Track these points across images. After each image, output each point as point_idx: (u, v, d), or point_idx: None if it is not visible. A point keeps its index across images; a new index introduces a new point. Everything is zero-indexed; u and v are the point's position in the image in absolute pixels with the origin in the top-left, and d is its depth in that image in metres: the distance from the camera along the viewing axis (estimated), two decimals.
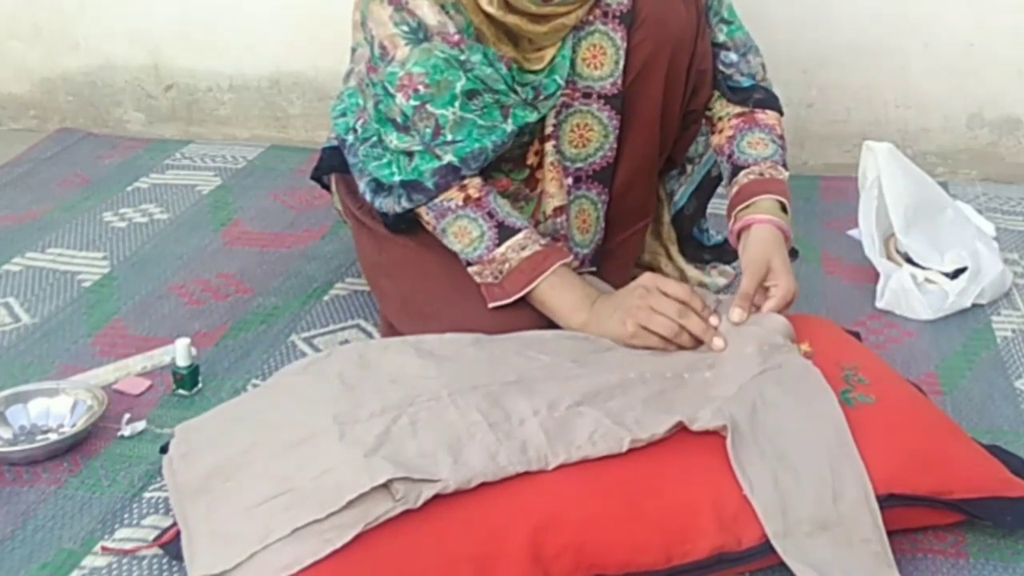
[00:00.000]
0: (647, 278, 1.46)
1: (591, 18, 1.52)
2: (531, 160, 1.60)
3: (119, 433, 1.47)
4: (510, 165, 1.61)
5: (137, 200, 2.20)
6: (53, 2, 2.55)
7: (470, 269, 1.51)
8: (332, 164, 1.70)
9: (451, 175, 1.49)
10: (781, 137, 1.63)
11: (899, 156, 1.85)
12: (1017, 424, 1.50)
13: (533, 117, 1.51)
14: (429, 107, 1.47)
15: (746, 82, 1.64)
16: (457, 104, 1.47)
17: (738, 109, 1.64)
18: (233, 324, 1.74)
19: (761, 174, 1.57)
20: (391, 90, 1.49)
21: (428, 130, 1.48)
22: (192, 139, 2.54)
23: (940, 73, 2.30)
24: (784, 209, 1.56)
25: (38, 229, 2.06)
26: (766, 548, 1.18)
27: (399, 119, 1.50)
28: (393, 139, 1.51)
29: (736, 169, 1.59)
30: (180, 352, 1.54)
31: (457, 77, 1.46)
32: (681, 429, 1.25)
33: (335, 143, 1.68)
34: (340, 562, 1.11)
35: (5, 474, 1.40)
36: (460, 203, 1.49)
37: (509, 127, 1.50)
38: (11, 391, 1.50)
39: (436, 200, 1.50)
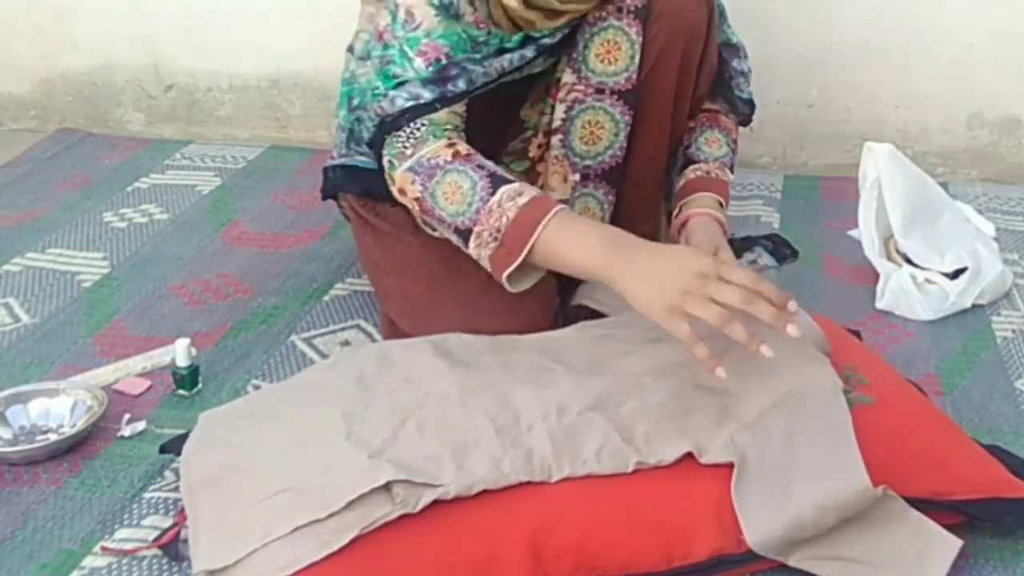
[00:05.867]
0: (707, 263, 1.26)
1: (604, 14, 1.52)
2: (533, 153, 1.60)
3: (119, 433, 1.46)
4: (512, 157, 1.61)
5: (137, 200, 2.20)
6: (53, 2, 2.55)
7: (471, 245, 1.38)
8: (336, 183, 1.70)
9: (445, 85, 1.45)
10: (735, 142, 1.71)
11: (899, 157, 1.85)
12: (1017, 424, 1.50)
13: (509, 43, 1.49)
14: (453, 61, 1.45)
15: (747, 94, 1.71)
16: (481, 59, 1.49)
17: (708, 106, 1.70)
18: (233, 324, 1.74)
19: (708, 172, 1.64)
20: (410, 53, 1.45)
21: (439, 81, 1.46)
22: (192, 139, 2.54)
23: (940, 73, 2.30)
24: (721, 206, 1.63)
25: (38, 229, 2.06)
26: None
27: (412, 78, 1.45)
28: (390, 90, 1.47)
29: (688, 162, 1.66)
30: (180, 352, 1.54)
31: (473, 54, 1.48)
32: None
33: (337, 161, 1.68)
34: (341, 564, 1.11)
35: (5, 474, 1.40)
36: (448, 158, 1.41)
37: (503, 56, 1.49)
38: (11, 391, 1.50)
39: (423, 155, 1.42)
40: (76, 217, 2.11)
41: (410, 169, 1.43)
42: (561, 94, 1.55)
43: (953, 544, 1.18)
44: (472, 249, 1.38)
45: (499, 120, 1.63)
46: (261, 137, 2.54)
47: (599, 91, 1.54)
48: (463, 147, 1.43)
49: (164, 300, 1.81)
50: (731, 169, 1.68)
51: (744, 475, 1.20)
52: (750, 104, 1.74)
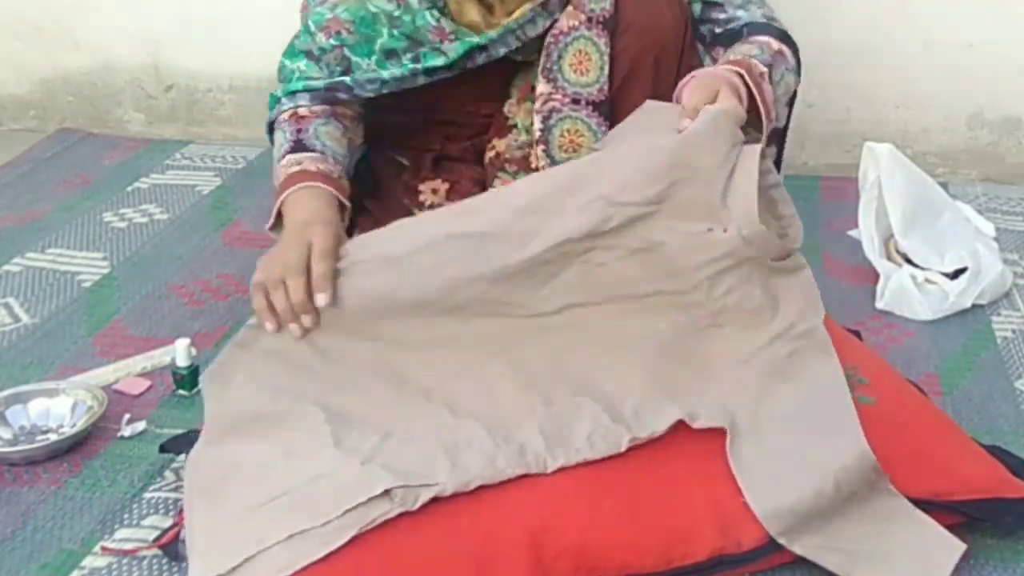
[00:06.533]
0: (292, 263, 1.31)
1: (576, 23, 1.52)
2: (535, 164, 1.59)
3: (119, 433, 1.46)
4: (515, 167, 1.61)
5: (137, 200, 2.20)
6: (53, 2, 2.55)
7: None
8: None
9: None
10: (777, 52, 1.54)
11: (900, 157, 1.85)
12: (1017, 424, 1.50)
13: (440, 61, 1.51)
14: (347, 51, 1.52)
15: (744, 21, 1.58)
16: (374, 59, 1.52)
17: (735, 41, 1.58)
18: (233, 324, 1.73)
19: (728, 60, 1.49)
20: (313, 28, 1.53)
21: (339, 68, 1.53)
22: (192, 139, 2.54)
23: (940, 73, 2.30)
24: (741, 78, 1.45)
25: (38, 229, 2.06)
26: (766, 550, 1.18)
27: (315, 50, 1.54)
28: (301, 65, 1.55)
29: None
30: (180, 352, 1.54)
31: (380, 34, 1.51)
32: (682, 424, 1.24)
33: None
34: (339, 564, 1.11)
35: (5, 474, 1.40)
36: (286, 118, 1.53)
37: (420, 78, 1.52)
38: (11, 391, 1.50)
39: (275, 114, 1.55)
40: (76, 217, 2.11)
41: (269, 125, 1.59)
42: (538, 104, 1.55)
43: (957, 547, 1.18)
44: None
45: (482, 115, 1.64)
46: (261, 137, 2.51)
47: (575, 101, 1.54)
48: (305, 109, 1.52)
49: (164, 300, 1.81)
50: (770, 67, 1.49)
51: (736, 438, 1.20)
52: (762, 23, 1.57)
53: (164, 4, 2.50)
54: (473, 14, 1.53)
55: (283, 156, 1.47)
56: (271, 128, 1.58)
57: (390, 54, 1.51)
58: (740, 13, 1.60)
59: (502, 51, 1.53)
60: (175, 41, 2.53)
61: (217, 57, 2.53)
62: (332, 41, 1.52)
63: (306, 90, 1.53)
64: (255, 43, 2.49)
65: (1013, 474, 1.30)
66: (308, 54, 1.55)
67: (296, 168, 1.44)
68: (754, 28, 1.58)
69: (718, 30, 1.60)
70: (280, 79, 1.59)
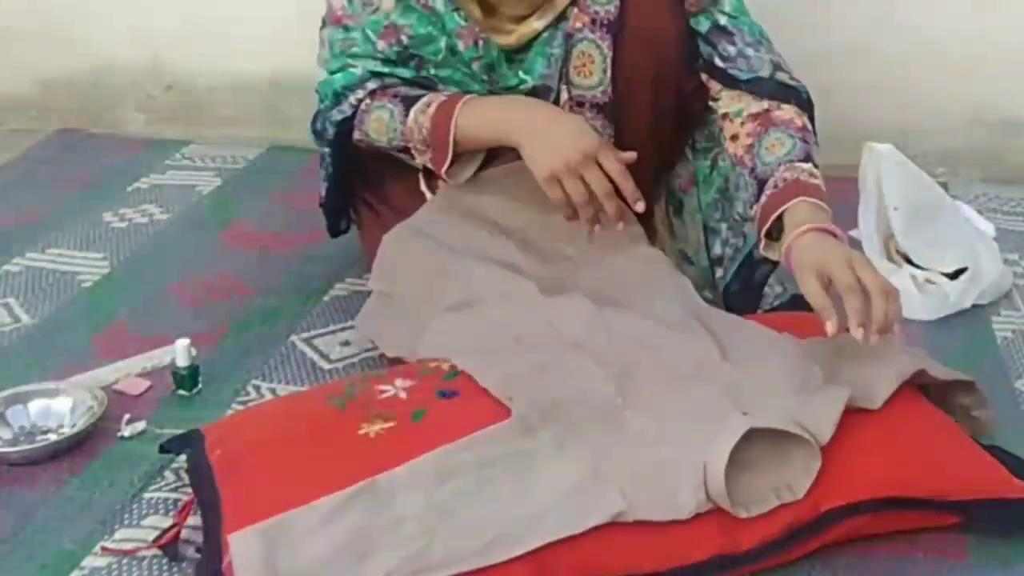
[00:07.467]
0: (590, 143, 1.43)
1: (580, 25, 1.52)
2: None
3: (119, 433, 1.46)
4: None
5: (137, 200, 2.20)
6: (53, 2, 2.55)
7: (416, 158, 1.55)
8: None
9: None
10: (802, 129, 1.51)
11: (899, 157, 1.86)
12: (1017, 424, 1.50)
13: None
14: (412, 51, 1.54)
15: (745, 75, 1.55)
16: (441, 56, 1.53)
17: (753, 108, 1.54)
18: (233, 324, 1.73)
19: (776, 185, 1.45)
20: (372, 37, 1.53)
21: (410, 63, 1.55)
22: (192, 139, 2.53)
23: (940, 73, 2.30)
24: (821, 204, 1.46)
25: (38, 229, 2.05)
26: (766, 549, 1.18)
27: (376, 55, 1.55)
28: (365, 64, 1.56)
29: (760, 185, 1.48)
30: (180, 352, 1.54)
31: (440, 31, 1.52)
32: None
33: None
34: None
35: (5, 474, 1.40)
36: (368, 101, 1.55)
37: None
38: (11, 391, 1.50)
39: (360, 109, 1.56)
40: (76, 217, 2.11)
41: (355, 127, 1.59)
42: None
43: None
44: (417, 159, 1.56)
45: None
46: (261, 137, 2.54)
47: (579, 104, 1.54)
48: (374, 84, 1.56)
49: (164, 300, 1.81)
50: (808, 158, 1.48)
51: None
52: (768, 82, 1.55)
53: (164, 4, 2.50)
54: (474, 11, 1.52)
55: (406, 114, 1.51)
56: (342, 123, 1.58)
57: (455, 51, 1.53)
58: (749, 52, 1.56)
59: (547, 86, 1.57)
60: (175, 41, 2.53)
61: (217, 57, 2.53)
62: (396, 48, 1.53)
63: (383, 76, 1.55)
64: (256, 42, 2.50)
65: (1013, 474, 1.30)
66: (369, 58, 1.55)
67: (433, 108, 1.50)
68: (759, 87, 1.54)
69: (719, 63, 1.56)
70: (336, 80, 1.58)
